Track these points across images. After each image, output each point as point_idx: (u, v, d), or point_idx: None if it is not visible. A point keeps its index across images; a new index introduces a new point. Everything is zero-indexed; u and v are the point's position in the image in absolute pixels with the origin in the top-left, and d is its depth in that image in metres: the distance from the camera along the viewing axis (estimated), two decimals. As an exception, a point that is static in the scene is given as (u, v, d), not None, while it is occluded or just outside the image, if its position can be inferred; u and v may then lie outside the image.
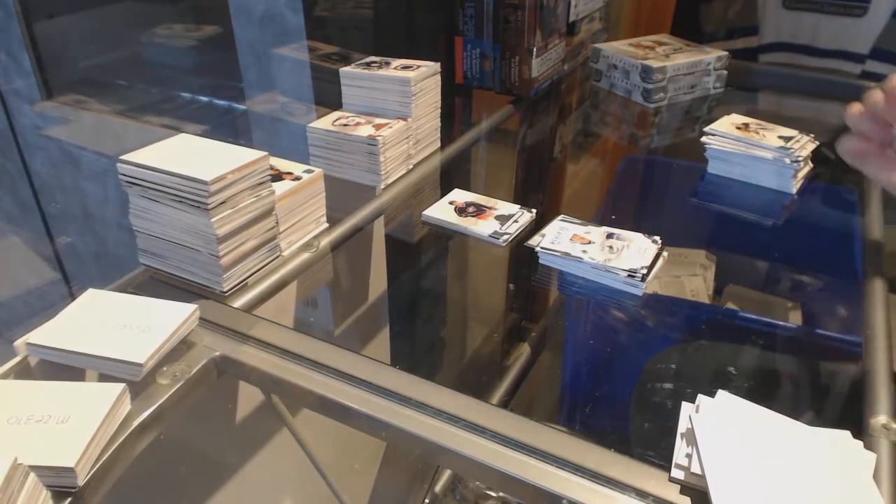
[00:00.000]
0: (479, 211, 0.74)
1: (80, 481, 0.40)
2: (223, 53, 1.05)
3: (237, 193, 0.56)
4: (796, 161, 0.78)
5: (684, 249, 0.96)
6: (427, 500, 0.81)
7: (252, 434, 0.70)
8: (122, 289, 0.59)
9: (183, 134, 0.61)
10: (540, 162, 1.10)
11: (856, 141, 0.59)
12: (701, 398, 0.44)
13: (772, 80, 1.21)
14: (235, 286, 0.59)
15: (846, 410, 0.62)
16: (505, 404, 0.90)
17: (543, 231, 0.68)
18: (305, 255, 0.65)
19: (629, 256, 0.62)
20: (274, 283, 0.61)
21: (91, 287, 0.54)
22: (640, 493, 0.40)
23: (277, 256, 0.63)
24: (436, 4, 1.04)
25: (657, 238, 0.65)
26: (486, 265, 0.88)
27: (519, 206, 0.74)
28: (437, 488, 0.82)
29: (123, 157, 0.56)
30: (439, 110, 0.85)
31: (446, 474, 0.84)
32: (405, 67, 0.80)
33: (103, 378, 0.48)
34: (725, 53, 1.09)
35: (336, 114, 0.81)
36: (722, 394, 0.45)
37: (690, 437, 0.42)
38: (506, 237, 0.69)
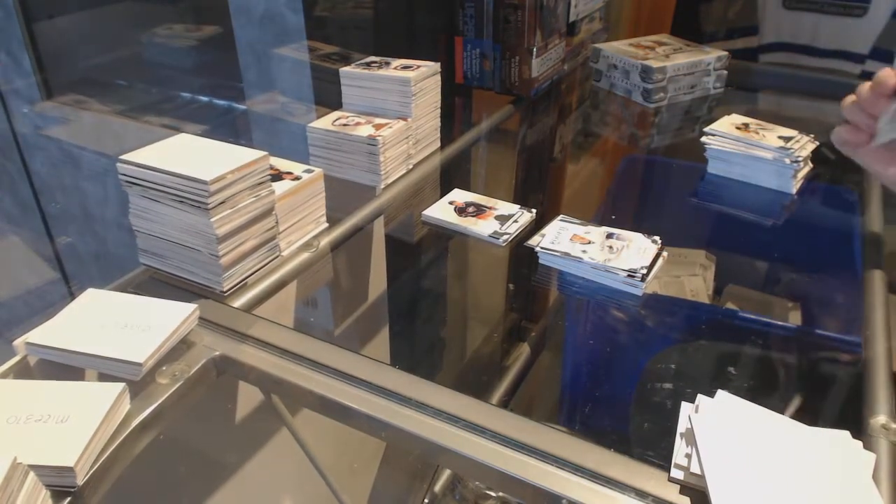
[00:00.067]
0: (479, 211, 0.74)
1: (80, 481, 0.40)
2: (223, 53, 1.05)
3: (237, 193, 0.56)
4: (796, 161, 0.78)
5: (684, 249, 0.96)
6: (427, 500, 0.81)
7: (252, 434, 0.70)
8: (122, 288, 0.59)
9: (183, 134, 0.61)
10: (540, 162, 1.10)
11: (848, 131, 0.62)
12: (700, 398, 0.44)
13: (772, 80, 1.21)
14: (235, 286, 0.59)
15: (846, 410, 0.62)
16: (505, 404, 0.90)
17: (543, 231, 0.68)
18: (305, 255, 0.65)
19: (629, 256, 0.62)
20: (274, 282, 0.61)
21: (91, 287, 0.54)
22: (640, 493, 0.40)
23: (277, 256, 0.63)
24: (436, 4, 1.04)
25: (657, 238, 0.65)
26: (486, 265, 0.88)
27: (519, 206, 0.74)
28: (437, 488, 0.82)
29: (123, 156, 0.56)
30: (439, 110, 0.85)
31: (446, 474, 0.84)
32: (405, 67, 0.80)
33: (103, 378, 0.48)
34: (725, 53, 1.09)
35: (336, 114, 0.81)
36: (721, 394, 0.45)
37: (690, 437, 0.42)
38: (506, 237, 0.69)
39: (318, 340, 0.53)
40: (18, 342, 0.49)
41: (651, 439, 0.71)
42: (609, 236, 0.65)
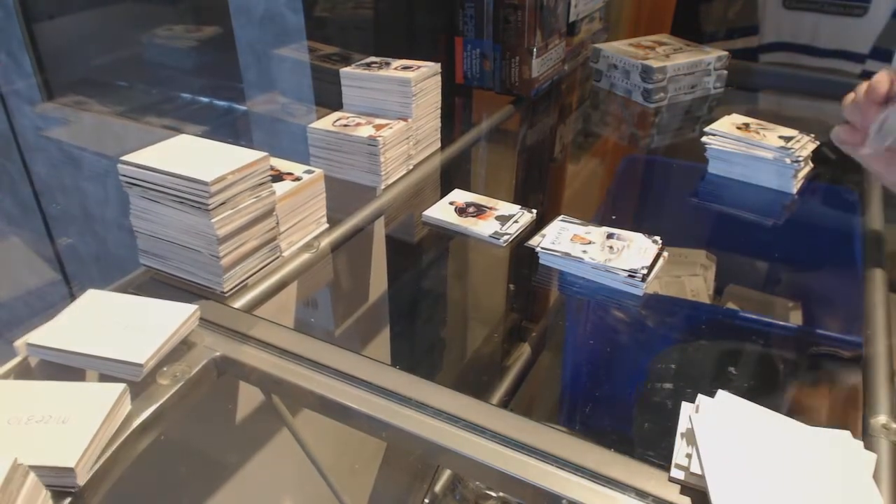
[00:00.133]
0: (480, 211, 0.74)
1: (81, 481, 0.40)
2: (223, 54, 1.05)
3: (237, 194, 0.56)
4: (796, 161, 0.78)
5: (684, 249, 0.96)
6: (427, 500, 0.81)
7: (252, 434, 0.70)
8: (123, 289, 0.59)
9: (183, 135, 0.61)
10: (540, 162, 1.10)
11: (846, 131, 0.62)
12: (701, 398, 0.44)
13: (772, 80, 1.21)
14: (236, 287, 0.59)
15: (846, 410, 0.62)
16: (505, 404, 0.90)
17: (544, 231, 0.68)
18: (306, 256, 0.65)
19: (629, 256, 0.62)
20: (274, 283, 0.61)
21: (91, 288, 0.54)
22: (640, 493, 0.40)
23: (278, 257, 0.63)
24: (436, 4, 1.04)
25: (657, 238, 0.65)
26: (487, 265, 0.89)
27: (519, 207, 0.74)
28: (437, 488, 0.82)
29: (124, 157, 0.56)
30: (439, 111, 0.85)
31: (446, 474, 0.84)
32: (405, 68, 0.80)
33: (103, 378, 0.48)
34: (725, 53, 1.09)
35: (336, 114, 0.81)
36: (722, 394, 0.45)
37: (690, 437, 0.42)
38: (506, 237, 0.69)
39: (318, 341, 0.53)
40: (19, 343, 0.49)
41: (651, 439, 0.71)
42: (609, 236, 0.65)
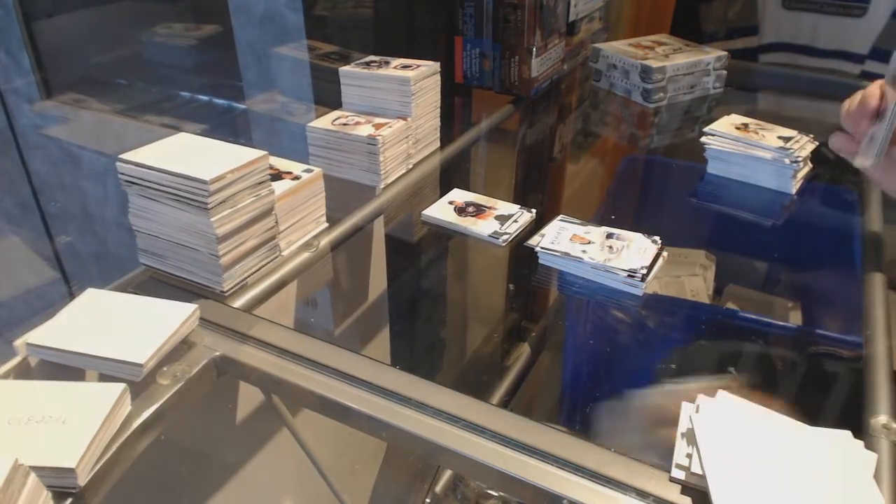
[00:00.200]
0: (479, 211, 0.74)
1: (81, 482, 0.40)
2: (223, 53, 1.05)
3: (237, 193, 0.56)
4: (796, 161, 0.78)
5: (684, 249, 0.96)
6: (428, 500, 0.81)
7: (252, 434, 0.70)
8: (122, 288, 0.59)
9: (182, 133, 0.61)
10: (540, 162, 1.10)
11: (842, 139, 0.63)
12: (701, 398, 0.44)
13: (771, 80, 1.21)
14: (235, 286, 0.59)
15: (846, 410, 0.62)
16: (505, 404, 0.90)
17: (543, 231, 0.68)
18: (305, 255, 0.65)
19: (629, 256, 0.62)
20: (274, 282, 0.61)
21: (91, 287, 0.54)
22: (641, 493, 0.40)
23: (277, 256, 0.63)
24: (436, 4, 1.04)
25: (657, 238, 0.65)
26: (486, 265, 0.88)
27: (519, 206, 0.74)
28: (438, 488, 0.82)
29: (123, 156, 0.56)
30: (439, 110, 0.85)
31: (447, 474, 0.84)
32: (405, 67, 0.80)
33: (103, 378, 0.47)
34: (725, 53, 1.09)
35: (336, 113, 0.81)
36: (722, 394, 0.45)
37: (691, 437, 0.42)
38: (505, 237, 0.69)
39: (318, 340, 0.53)
40: (19, 343, 0.48)
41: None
42: (609, 236, 0.65)
